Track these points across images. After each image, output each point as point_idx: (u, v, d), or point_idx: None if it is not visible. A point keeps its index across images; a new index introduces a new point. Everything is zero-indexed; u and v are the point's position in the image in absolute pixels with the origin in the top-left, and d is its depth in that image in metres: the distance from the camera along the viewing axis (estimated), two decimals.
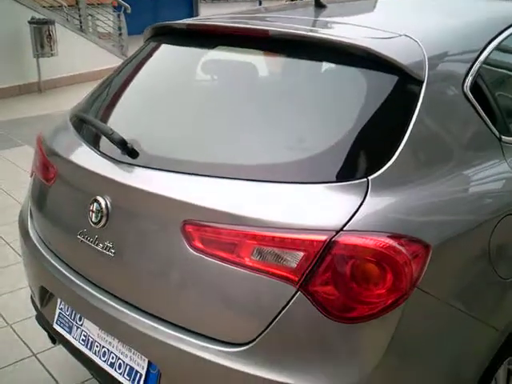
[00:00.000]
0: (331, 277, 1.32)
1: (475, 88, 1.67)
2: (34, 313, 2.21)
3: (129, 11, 10.69)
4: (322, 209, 1.38)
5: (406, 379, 1.39)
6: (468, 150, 1.61)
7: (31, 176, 2.17)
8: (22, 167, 5.08)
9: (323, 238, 1.32)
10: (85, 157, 1.78)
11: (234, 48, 1.88)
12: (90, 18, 10.70)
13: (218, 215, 1.42)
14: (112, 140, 1.66)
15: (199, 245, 1.44)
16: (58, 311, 1.91)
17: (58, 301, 1.91)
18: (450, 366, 1.46)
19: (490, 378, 1.65)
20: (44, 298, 1.99)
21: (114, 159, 1.67)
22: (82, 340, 1.81)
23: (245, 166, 1.51)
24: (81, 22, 10.13)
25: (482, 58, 1.73)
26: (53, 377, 2.51)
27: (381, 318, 1.31)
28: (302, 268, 1.33)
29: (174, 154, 1.64)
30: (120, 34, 10.94)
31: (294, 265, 1.34)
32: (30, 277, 2.08)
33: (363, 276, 1.32)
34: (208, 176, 1.51)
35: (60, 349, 2.57)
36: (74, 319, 1.85)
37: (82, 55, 9.46)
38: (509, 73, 2.04)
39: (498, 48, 1.81)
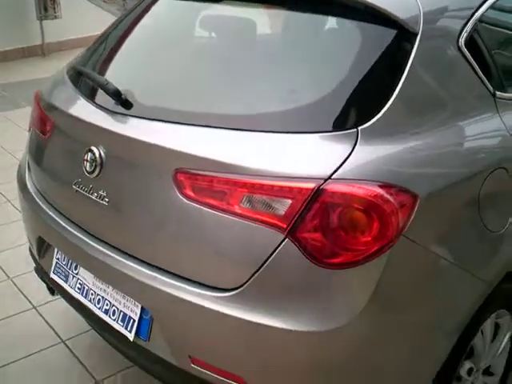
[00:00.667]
0: (319, 224, 1.34)
1: (470, 43, 1.67)
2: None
3: None
4: (310, 158, 1.39)
5: (391, 325, 1.42)
6: (461, 104, 1.62)
7: (29, 131, 2.19)
8: (25, 128, 5.08)
9: (311, 185, 1.34)
10: (80, 108, 1.80)
11: (230, 1, 1.87)
12: None
13: (209, 164, 1.44)
14: (106, 91, 1.67)
15: (190, 193, 1.47)
16: (54, 261, 1.95)
17: (55, 251, 1.95)
18: (434, 315, 1.49)
19: (475, 329, 1.68)
20: (41, 248, 2.03)
21: (108, 110, 1.68)
22: (78, 288, 1.85)
23: (236, 115, 1.52)
24: None
25: (477, 15, 1.72)
26: (52, 328, 2.58)
27: (366, 264, 1.34)
28: (291, 215, 1.35)
29: (167, 104, 1.66)
30: None
31: (283, 212, 1.36)
32: (28, 228, 2.12)
33: (350, 224, 1.35)
34: (200, 126, 1.52)
35: (59, 301, 2.63)
36: (69, 268, 1.89)
37: (86, 18, 9.36)
38: (504, 31, 2.03)
39: (493, 7, 1.80)
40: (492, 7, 1.80)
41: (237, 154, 1.44)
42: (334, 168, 1.35)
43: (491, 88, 1.69)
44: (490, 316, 1.75)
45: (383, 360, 1.44)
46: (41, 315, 2.67)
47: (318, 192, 1.33)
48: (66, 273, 1.90)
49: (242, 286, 1.41)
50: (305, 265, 1.35)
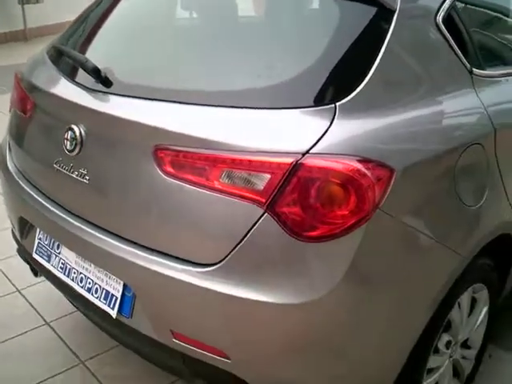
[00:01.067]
0: (297, 198, 1.36)
1: (448, 21, 1.69)
2: None
3: None
4: (289, 133, 1.41)
5: (368, 298, 1.45)
6: (438, 80, 1.64)
7: (10, 111, 2.17)
8: (7, 113, 5.04)
9: (289, 160, 1.35)
10: (60, 87, 1.79)
11: None
12: None
13: (188, 140, 1.45)
14: (86, 69, 1.67)
15: (170, 169, 1.47)
16: (36, 241, 1.96)
17: (37, 231, 1.95)
18: (411, 288, 1.52)
19: (452, 302, 1.72)
20: (24, 229, 2.03)
21: (88, 88, 1.68)
22: (60, 268, 1.86)
23: (215, 92, 1.53)
24: None
25: None
26: (36, 310, 2.59)
27: (344, 237, 1.36)
28: (269, 190, 1.37)
29: (147, 81, 1.66)
30: None
31: (262, 187, 1.38)
32: (10, 209, 2.11)
33: (328, 198, 1.37)
34: (180, 103, 1.53)
35: (43, 284, 2.65)
36: (52, 248, 1.89)
37: (69, 3, 9.24)
38: (482, 10, 2.05)
39: None
40: None
41: (216, 130, 1.44)
42: (312, 143, 1.36)
43: (468, 65, 1.71)
44: (466, 290, 1.79)
45: (360, 332, 1.47)
46: (24, 298, 2.67)
47: (296, 167, 1.35)
48: (49, 252, 1.91)
49: (222, 260, 1.43)
50: (283, 238, 1.37)
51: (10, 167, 2.05)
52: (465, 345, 2.01)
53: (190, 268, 1.47)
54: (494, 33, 2.14)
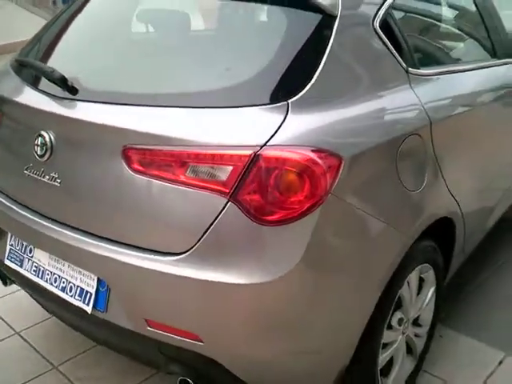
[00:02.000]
0: (257, 186, 1.50)
1: (384, 26, 1.87)
2: None
3: None
4: (247, 128, 1.55)
5: (324, 274, 1.60)
6: (378, 79, 1.82)
7: None
8: None
9: (249, 152, 1.49)
10: (27, 96, 1.89)
11: None
12: None
13: (155, 139, 1.57)
14: (53, 78, 1.77)
15: (138, 167, 1.59)
16: (8, 247, 2.02)
17: (9, 237, 2.01)
18: (361, 265, 1.68)
19: (401, 281, 1.89)
20: None
21: (55, 96, 1.78)
22: (34, 271, 1.93)
23: (177, 94, 1.67)
24: None
25: (390, 1, 1.93)
26: (5, 321, 2.62)
27: (300, 220, 1.51)
28: (232, 180, 1.50)
29: (111, 87, 1.78)
30: (54, 2, 10.70)
31: (225, 178, 1.51)
32: None
33: (285, 185, 1.51)
34: (145, 105, 1.65)
35: (11, 296, 2.70)
36: (24, 252, 1.96)
37: (16, 23, 9.21)
38: (415, 16, 2.27)
39: None
40: None
41: (181, 128, 1.57)
42: (269, 136, 1.51)
43: (404, 65, 1.90)
44: (413, 269, 1.96)
45: (318, 308, 1.61)
46: None
47: (255, 158, 1.49)
48: (21, 257, 1.98)
49: (191, 248, 1.55)
50: (246, 224, 1.50)
51: None
52: (416, 323, 2.18)
53: (162, 257, 1.59)
54: (427, 36, 2.36)
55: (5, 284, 2.31)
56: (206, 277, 1.53)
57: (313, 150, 1.52)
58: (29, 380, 2.29)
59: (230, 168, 1.50)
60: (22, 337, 2.53)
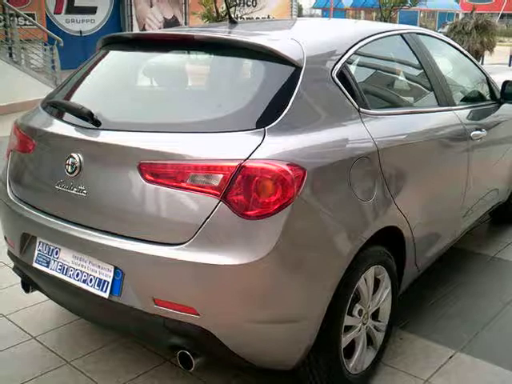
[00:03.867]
0: (241, 190, 1.98)
1: (340, 75, 2.43)
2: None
3: (61, 44, 11.21)
4: (234, 147, 2.05)
5: (294, 255, 2.05)
6: (335, 114, 2.36)
7: (7, 156, 2.72)
8: None
9: (235, 164, 1.99)
10: (57, 127, 2.41)
11: (169, 49, 2.58)
12: (22, 51, 11.14)
13: (163, 156, 2.07)
14: (82, 113, 2.28)
15: (150, 177, 2.08)
16: (36, 252, 2.46)
17: (37, 243, 2.45)
18: (322, 250, 2.13)
19: (357, 276, 2.34)
20: (23, 245, 2.52)
21: (81, 127, 2.29)
22: (59, 269, 2.36)
23: (181, 123, 2.18)
24: (10, 55, 10.54)
25: (345, 57, 2.51)
26: (22, 329, 3.00)
27: (274, 215, 1.98)
28: (222, 185, 1.99)
29: (126, 119, 2.32)
30: (53, 67, 11.41)
31: (217, 184, 1.99)
32: (12, 230, 2.61)
33: (262, 189, 1.99)
34: (155, 132, 2.16)
35: (28, 310, 3.10)
36: (51, 255, 2.40)
37: (17, 86, 9.86)
38: (364, 68, 2.85)
39: (356, 51, 2.62)
40: (356, 52, 2.62)
41: (183, 148, 2.07)
42: (249, 153, 2.01)
43: (356, 105, 2.44)
44: (367, 268, 2.41)
45: (289, 285, 2.06)
46: (11, 321, 3.08)
47: (240, 168, 1.98)
48: (48, 259, 2.41)
49: (190, 239, 2.01)
50: (233, 218, 1.98)
51: (12, 198, 2.57)
52: (376, 318, 2.61)
53: (167, 247, 2.05)
54: (377, 84, 2.94)
55: (27, 291, 2.73)
56: (201, 260, 1.99)
57: (287, 164, 2.02)
58: (46, 372, 2.66)
59: (221, 176, 1.99)
60: (38, 341, 2.91)
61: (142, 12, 18.52)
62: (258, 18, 19.07)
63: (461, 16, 30.70)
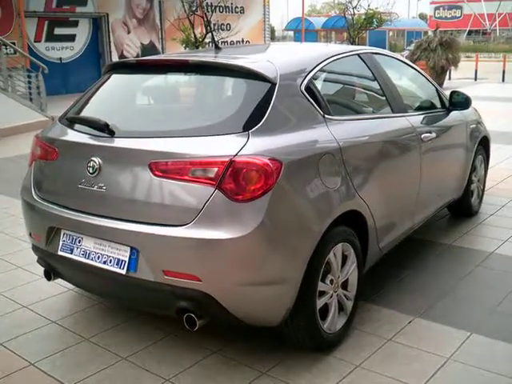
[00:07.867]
0: (232, 179, 2.52)
1: (307, 89, 3.00)
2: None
3: (46, 71, 11.68)
4: (225, 146, 2.60)
5: (278, 230, 2.58)
6: (303, 120, 2.92)
7: (30, 165, 3.23)
8: None
9: (227, 159, 2.53)
10: (79, 137, 2.94)
11: (169, 72, 3.15)
12: (9, 78, 11.60)
13: (169, 155, 2.60)
14: (100, 125, 2.81)
15: (159, 173, 2.61)
16: (61, 242, 2.95)
17: (61, 234, 2.95)
18: (298, 226, 2.67)
19: (327, 248, 2.87)
20: (49, 237, 3.01)
21: (99, 136, 2.81)
22: (82, 254, 2.86)
23: (183, 129, 2.74)
24: None
25: (311, 74, 3.09)
26: (42, 316, 3.47)
27: (259, 199, 2.52)
28: (217, 176, 2.52)
29: (136, 128, 2.87)
30: (38, 93, 11.87)
31: (213, 175, 2.53)
32: (38, 226, 3.10)
33: (249, 178, 2.53)
34: (161, 137, 2.70)
35: (46, 301, 3.56)
36: (74, 243, 2.90)
37: (6, 111, 10.29)
38: (328, 82, 3.45)
39: (320, 69, 3.21)
40: (320, 70, 3.20)
41: (185, 148, 2.61)
42: (237, 150, 2.55)
43: (322, 113, 3.01)
44: (335, 244, 2.94)
45: (275, 253, 2.58)
46: (31, 309, 3.54)
47: (230, 162, 2.52)
48: (71, 247, 2.91)
49: (193, 219, 2.54)
50: (226, 202, 2.51)
51: (37, 199, 3.08)
52: (345, 288, 3.15)
53: (174, 228, 2.57)
54: (338, 95, 3.53)
55: (48, 279, 3.21)
56: (202, 236, 2.52)
57: (268, 158, 2.56)
58: (68, 347, 3.13)
59: (216, 169, 2.53)
60: (57, 324, 3.38)
61: (120, 38, 19.14)
62: (232, 42, 19.82)
63: (430, 33, 31.92)
